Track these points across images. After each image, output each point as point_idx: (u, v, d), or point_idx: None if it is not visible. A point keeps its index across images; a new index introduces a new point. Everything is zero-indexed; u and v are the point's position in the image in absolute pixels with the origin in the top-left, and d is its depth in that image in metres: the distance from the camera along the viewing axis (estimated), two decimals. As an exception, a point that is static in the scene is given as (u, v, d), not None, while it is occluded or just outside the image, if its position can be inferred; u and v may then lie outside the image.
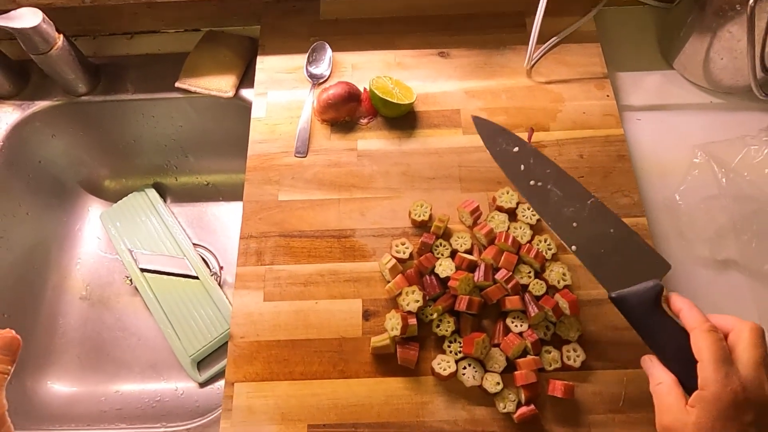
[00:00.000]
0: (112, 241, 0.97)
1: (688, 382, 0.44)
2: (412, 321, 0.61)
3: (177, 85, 0.85)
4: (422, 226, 0.70)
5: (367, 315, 0.65)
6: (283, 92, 0.80)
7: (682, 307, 0.46)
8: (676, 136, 0.79)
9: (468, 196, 0.71)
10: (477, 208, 0.68)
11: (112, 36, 0.92)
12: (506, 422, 0.59)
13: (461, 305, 0.61)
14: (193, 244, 0.97)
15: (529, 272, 0.65)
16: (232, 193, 1.03)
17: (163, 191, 1.02)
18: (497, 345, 0.62)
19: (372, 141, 0.76)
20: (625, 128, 0.77)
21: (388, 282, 0.65)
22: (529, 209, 0.69)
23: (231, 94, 0.85)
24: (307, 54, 0.82)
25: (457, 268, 0.64)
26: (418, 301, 0.62)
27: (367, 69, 0.82)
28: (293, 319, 0.65)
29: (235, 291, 0.67)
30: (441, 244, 0.67)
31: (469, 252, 0.67)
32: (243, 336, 0.65)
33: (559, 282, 0.64)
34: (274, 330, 0.65)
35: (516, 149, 0.56)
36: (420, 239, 0.67)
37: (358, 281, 0.67)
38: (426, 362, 0.62)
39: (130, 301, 0.95)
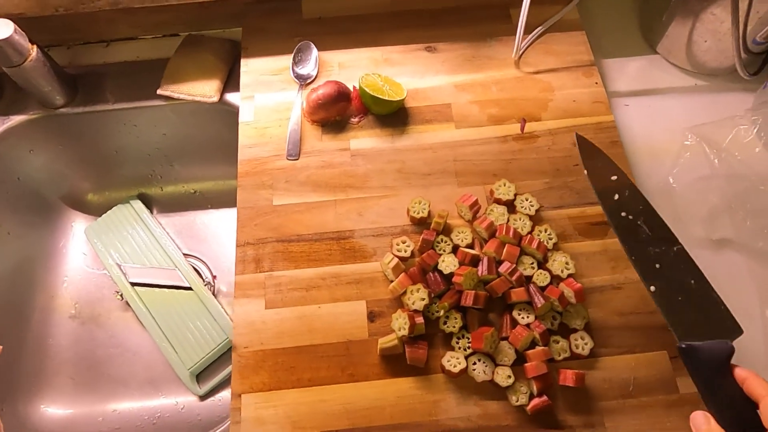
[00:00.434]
0: (99, 256, 0.94)
1: None
2: (419, 320, 0.61)
3: (159, 92, 0.83)
4: (422, 223, 0.69)
5: (372, 316, 0.64)
6: (270, 95, 0.78)
7: (747, 375, 0.46)
8: (664, 119, 0.80)
9: (465, 190, 0.71)
10: (476, 202, 0.68)
11: (87, 45, 0.89)
12: (520, 415, 0.59)
13: (467, 300, 0.61)
14: (184, 254, 0.95)
15: (532, 263, 0.65)
16: (220, 200, 1.01)
17: (148, 202, 1.00)
18: (505, 338, 0.62)
19: (364, 140, 0.75)
20: (614, 114, 0.78)
21: (391, 281, 0.65)
22: (527, 200, 0.69)
23: (216, 98, 0.83)
24: (293, 54, 0.80)
25: (460, 264, 0.64)
26: (423, 299, 0.61)
27: (354, 67, 0.80)
28: (297, 325, 0.64)
29: (235, 300, 0.65)
30: (442, 240, 0.66)
31: (471, 246, 0.67)
32: (247, 346, 0.63)
33: (562, 271, 0.64)
34: (279, 337, 0.63)
35: (614, 177, 0.56)
36: (420, 236, 0.66)
37: (361, 282, 0.66)
38: (435, 360, 0.62)
39: (122, 317, 0.92)
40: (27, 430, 0.81)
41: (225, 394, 0.85)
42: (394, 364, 0.62)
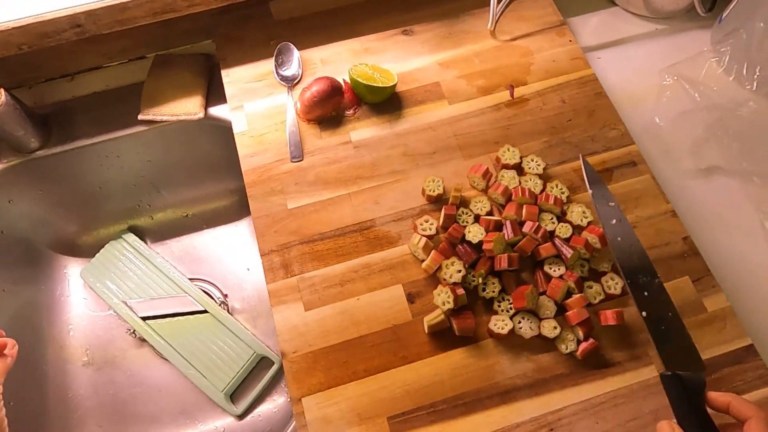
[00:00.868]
0: (102, 297, 0.91)
1: None
2: (461, 291, 0.62)
3: (141, 117, 0.80)
4: (438, 201, 0.71)
5: (411, 298, 0.65)
6: (260, 101, 0.78)
7: (730, 399, 0.49)
8: (635, 66, 0.84)
9: (472, 162, 0.73)
10: (487, 171, 0.70)
11: (50, 81, 0.85)
12: (571, 361, 0.62)
13: (501, 264, 0.63)
14: (189, 278, 0.93)
15: (552, 219, 0.68)
16: (214, 219, 0.99)
17: (140, 233, 0.97)
18: (543, 293, 0.64)
19: (364, 130, 0.76)
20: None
21: (422, 261, 0.66)
22: (533, 161, 0.72)
23: (201, 114, 0.81)
24: (274, 58, 0.79)
25: (486, 231, 0.66)
26: (460, 270, 0.63)
27: (337, 61, 0.81)
28: (340, 320, 0.64)
29: (273, 308, 0.65)
30: (463, 213, 0.68)
31: (491, 214, 0.69)
32: (295, 350, 0.63)
33: (582, 220, 0.67)
34: (325, 336, 0.64)
35: (612, 204, 0.61)
36: (441, 213, 0.68)
37: (393, 268, 0.67)
38: (482, 327, 0.64)
39: (138, 354, 0.89)
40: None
41: (263, 409, 0.85)
42: (443, 338, 0.63)
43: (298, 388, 0.61)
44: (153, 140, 0.85)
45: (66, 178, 0.86)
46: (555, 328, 0.62)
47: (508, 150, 0.72)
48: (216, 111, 0.82)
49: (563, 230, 0.67)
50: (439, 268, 0.64)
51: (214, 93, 0.83)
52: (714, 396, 0.50)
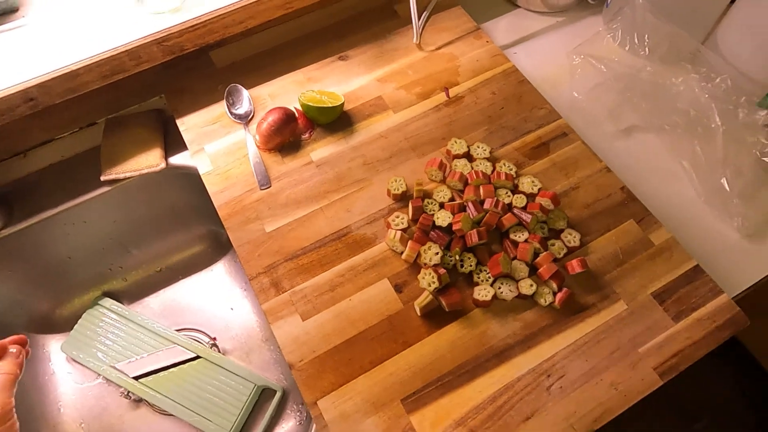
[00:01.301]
0: (88, 367, 0.89)
1: None
2: (442, 271, 0.68)
3: (103, 178, 0.83)
4: (403, 198, 0.77)
5: (398, 288, 0.70)
6: (219, 140, 0.82)
7: None
8: (547, 53, 0.95)
9: (426, 158, 0.80)
10: (441, 163, 0.77)
11: (2, 162, 0.86)
12: (552, 312, 0.68)
13: (473, 239, 0.69)
14: (175, 330, 0.93)
15: (507, 192, 0.75)
16: (187, 268, 1.00)
17: (116, 297, 0.96)
18: (514, 258, 0.71)
19: (322, 149, 0.81)
20: (510, 62, 0.92)
21: (402, 252, 0.71)
22: (480, 147, 0.80)
23: (163, 165, 0.84)
24: (225, 99, 0.84)
25: (453, 214, 0.72)
26: (438, 253, 0.69)
27: (284, 93, 0.87)
28: (337, 322, 0.68)
29: (272, 325, 0.68)
30: (429, 203, 0.74)
31: (452, 200, 0.75)
32: (301, 359, 0.66)
33: (533, 188, 0.75)
34: (326, 340, 0.67)
35: None
36: (409, 207, 0.74)
37: (376, 265, 0.72)
38: (467, 299, 0.69)
39: (136, 415, 0.88)
40: None
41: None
42: (436, 317, 0.68)
43: (311, 392, 0.64)
44: (117, 199, 0.87)
45: (33, 254, 0.86)
46: (531, 285, 0.68)
47: (456, 142, 0.80)
48: (176, 159, 0.86)
49: (519, 200, 0.74)
50: (419, 255, 0.70)
51: (171, 144, 0.87)
52: None
